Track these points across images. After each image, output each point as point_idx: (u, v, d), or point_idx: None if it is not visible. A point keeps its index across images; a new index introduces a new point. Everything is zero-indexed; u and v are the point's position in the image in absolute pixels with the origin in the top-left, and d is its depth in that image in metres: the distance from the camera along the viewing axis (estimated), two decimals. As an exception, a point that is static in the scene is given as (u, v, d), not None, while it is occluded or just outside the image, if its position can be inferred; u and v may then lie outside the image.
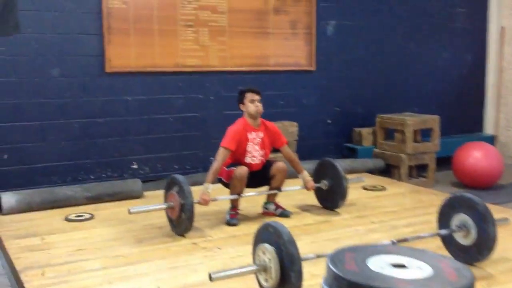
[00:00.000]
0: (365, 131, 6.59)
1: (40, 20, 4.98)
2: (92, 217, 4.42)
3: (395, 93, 6.95)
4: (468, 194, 3.37)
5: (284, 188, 4.44)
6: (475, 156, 6.01)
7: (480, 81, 7.59)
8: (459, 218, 3.36)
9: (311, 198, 4.75)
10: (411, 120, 6.17)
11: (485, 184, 6.04)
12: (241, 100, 4.23)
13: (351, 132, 6.67)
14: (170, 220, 4.01)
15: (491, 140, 7.40)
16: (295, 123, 6.04)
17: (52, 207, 4.65)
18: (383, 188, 5.47)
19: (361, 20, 6.59)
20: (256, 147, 4.23)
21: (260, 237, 2.81)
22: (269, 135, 4.32)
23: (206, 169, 5.73)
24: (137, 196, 4.99)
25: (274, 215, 4.44)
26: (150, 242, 3.82)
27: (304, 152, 6.19)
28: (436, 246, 3.50)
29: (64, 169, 5.19)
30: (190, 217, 3.80)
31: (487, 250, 3.24)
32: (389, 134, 6.55)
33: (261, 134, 4.26)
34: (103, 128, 5.33)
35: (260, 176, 4.31)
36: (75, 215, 4.45)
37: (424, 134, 6.46)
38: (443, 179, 6.53)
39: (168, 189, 4.02)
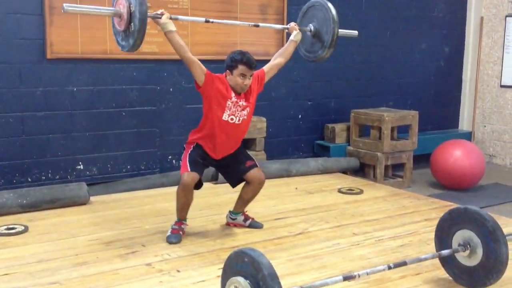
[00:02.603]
0: (339, 127, 6.10)
1: (-34, -5, 4.25)
2: (25, 230, 3.73)
3: (370, 86, 6.52)
4: (473, 207, 2.89)
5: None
6: (455, 156, 5.63)
7: (457, 74, 7.26)
8: (462, 235, 2.89)
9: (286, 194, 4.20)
10: (389, 116, 5.71)
11: (466, 185, 5.71)
12: (230, 68, 3.49)
13: (323, 129, 6.18)
14: (117, 32, 3.28)
15: (469, 136, 7.07)
16: (263, 118, 5.51)
17: (-22, 217, 3.94)
18: (360, 191, 4.98)
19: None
20: (238, 106, 3.54)
21: (232, 268, 2.24)
22: (251, 90, 3.62)
23: (163, 169, 5.20)
24: (82, 202, 4.32)
25: (242, 226, 3.85)
26: (95, 263, 3.18)
27: (273, 150, 5.72)
28: (431, 264, 3.04)
29: (-4, 171, 4.48)
30: (141, 30, 3.06)
31: (496, 273, 2.78)
32: (364, 130, 6.10)
33: (242, 98, 3.56)
34: (43, 123, 4.63)
35: (232, 162, 3.66)
36: (5, 227, 3.75)
37: (400, 130, 6.05)
38: (420, 179, 6.18)
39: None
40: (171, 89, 5.20)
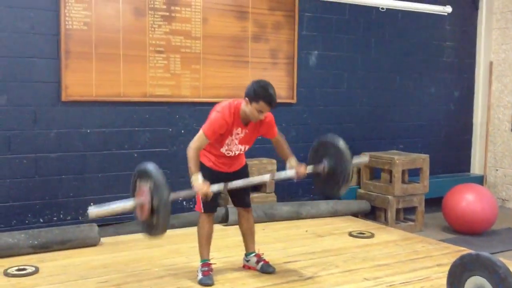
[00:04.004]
0: (349, 170, 6.08)
1: (-14, 40, 4.39)
2: (36, 271, 3.73)
3: (380, 129, 6.54)
4: (485, 254, 2.86)
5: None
6: (467, 200, 5.58)
7: (467, 118, 7.25)
8: (474, 281, 2.85)
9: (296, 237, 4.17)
10: (400, 159, 5.70)
11: (479, 230, 5.62)
12: (250, 99, 3.43)
13: (333, 171, 6.15)
14: (139, 221, 3.23)
15: (480, 180, 7.02)
16: (273, 161, 5.52)
17: (-11, 258, 3.96)
18: (371, 235, 4.94)
19: (345, 51, 6.18)
20: (236, 141, 3.59)
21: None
22: (258, 129, 3.64)
23: (174, 211, 5.12)
24: (92, 243, 4.33)
25: (255, 269, 3.84)
26: (103, 307, 3.17)
27: (283, 192, 5.71)
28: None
29: (8, 211, 4.51)
30: (165, 224, 3.04)
31: (510, 322, 2.70)
32: (375, 173, 6.08)
33: (246, 131, 3.59)
34: (56, 164, 4.69)
35: (240, 190, 3.70)
36: (16, 268, 3.76)
37: (411, 174, 6.02)
38: (431, 223, 6.10)
39: (136, 182, 3.25)
40: (182, 131, 5.25)
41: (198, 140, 3.47)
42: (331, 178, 3.69)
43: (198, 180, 3.33)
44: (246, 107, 3.48)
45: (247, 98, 3.47)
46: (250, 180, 3.69)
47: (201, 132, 3.49)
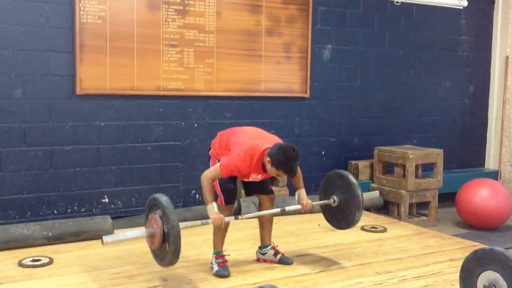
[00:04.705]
0: (362, 164, 6.08)
1: (2, 34, 4.42)
2: (50, 262, 3.78)
3: (394, 124, 6.50)
4: (499, 249, 2.84)
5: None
6: (482, 195, 5.56)
7: (482, 112, 7.18)
8: (488, 276, 2.83)
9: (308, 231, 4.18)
10: (413, 154, 5.67)
11: (492, 225, 5.61)
12: (273, 163, 3.43)
13: (347, 165, 6.16)
14: (152, 250, 3.35)
15: (495, 175, 6.96)
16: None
17: (4, 249, 4.01)
18: (384, 230, 4.93)
19: (359, 45, 6.14)
20: (251, 179, 3.67)
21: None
22: None
23: (187, 204, 5.24)
24: (106, 235, 4.35)
25: (272, 262, 3.85)
26: (116, 297, 3.21)
27: (296, 187, 5.69)
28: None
29: (23, 203, 4.56)
30: (176, 251, 3.11)
31: (523, 318, 2.69)
32: (388, 168, 6.06)
33: (264, 175, 3.66)
34: (70, 157, 4.73)
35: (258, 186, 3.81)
36: (30, 259, 3.81)
37: (425, 168, 5.99)
38: (445, 218, 6.09)
39: (149, 210, 3.35)
40: (195, 125, 5.27)
41: (214, 172, 3.50)
42: (343, 210, 3.89)
43: (213, 209, 3.42)
44: (267, 164, 3.48)
45: (270, 159, 3.45)
46: (261, 213, 3.81)
47: (218, 166, 3.49)
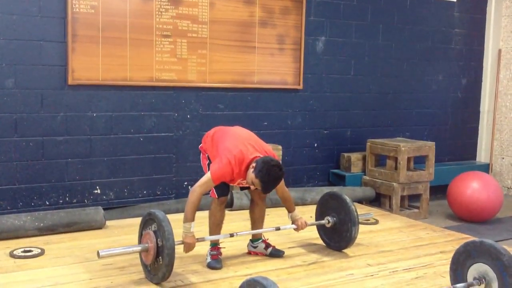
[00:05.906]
0: (355, 157, 6.10)
1: (-7, 23, 4.39)
2: (42, 253, 3.78)
3: (386, 116, 6.52)
4: (489, 241, 2.86)
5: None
6: (473, 188, 5.58)
7: (475, 106, 7.22)
8: (478, 268, 2.87)
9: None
10: (405, 147, 5.69)
11: (483, 218, 5.63)
12: (256, 171, 3.34)
13: (339, 158, 6.18)
14: (144, 265, 3.37)
15: (486, 168, 7.00)
16: (279, 146, 5.52)
17: (-4, 239, 4.00)
18: (375, 222, 4.95)
19: (353, 37, 6.14)
20: (237, 184, 3.67)
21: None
22: None
23: (179, 195, 5.23)
24: (98, 226, 4.36)
25: (263, 255, 3.86)
26: (108, 288, 3.20)
27: (288, 178, 5.70)
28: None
29: (15, 193, 4.54)
30: (169, 264, 3.13)
31: (511, 309, 2.72)
32: (380, 160, 6.08)
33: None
34: (62, 148, 4.71)
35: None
36: (22, 249, 3.80)
37: (416, 161, 6.02)
38: (436, 211, 6.12)
39: (144, 226, 3.38)
40: (188, 116, 5.26)
41: (205, 184, 3.41)
42: (335, 234, 3.98)
43: (190, 229, 3.37)
44: (250, 168, 3.41)
45: (254, 165, 3.38)
46: (256, 232, 3.84)
47: (210, 178, 3.40)
